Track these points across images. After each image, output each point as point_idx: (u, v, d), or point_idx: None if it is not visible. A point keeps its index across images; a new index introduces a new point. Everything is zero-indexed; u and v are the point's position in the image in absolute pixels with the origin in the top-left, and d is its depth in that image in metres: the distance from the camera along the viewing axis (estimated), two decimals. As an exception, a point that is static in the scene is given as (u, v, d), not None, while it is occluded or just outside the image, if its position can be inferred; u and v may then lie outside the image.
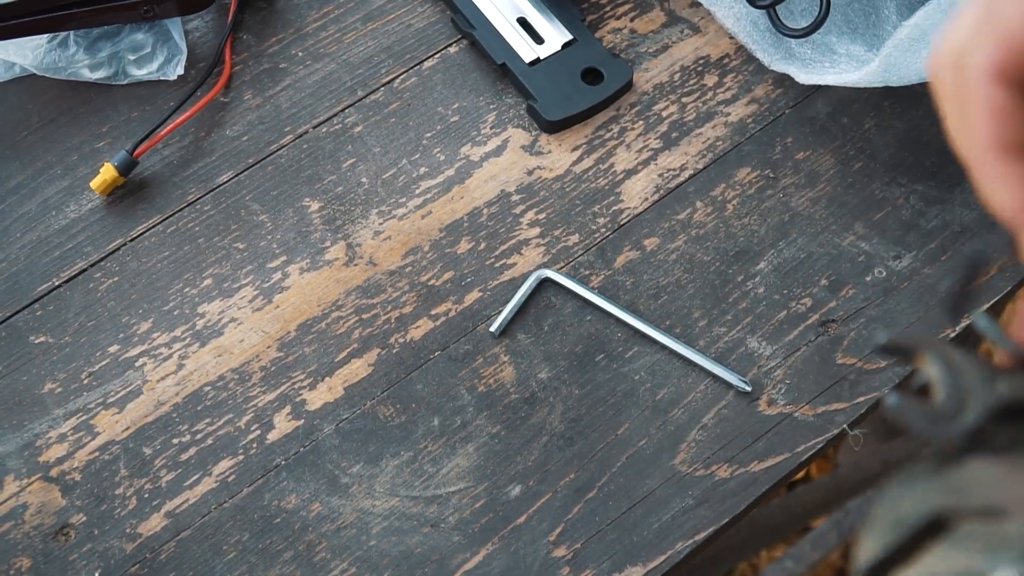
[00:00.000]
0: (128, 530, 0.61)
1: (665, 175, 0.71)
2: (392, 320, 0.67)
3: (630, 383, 0.65)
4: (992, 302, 0.67)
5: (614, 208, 0.70)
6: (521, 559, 0.61)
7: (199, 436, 0.64)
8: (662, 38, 0.76)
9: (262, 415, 0.64)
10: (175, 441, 0.64)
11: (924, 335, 0.37)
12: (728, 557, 1.15)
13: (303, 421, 0.64)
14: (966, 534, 0.30)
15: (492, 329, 0.66)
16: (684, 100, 0.74)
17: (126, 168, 0.70)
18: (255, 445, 0.64)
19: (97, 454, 0.63)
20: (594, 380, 0.65)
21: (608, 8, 0.77)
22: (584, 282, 0.68)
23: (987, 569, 0.28)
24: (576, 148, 0.72)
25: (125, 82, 0.75)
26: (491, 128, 0.73)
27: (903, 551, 0.31)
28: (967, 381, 0.35)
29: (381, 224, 0.70)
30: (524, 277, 0.68)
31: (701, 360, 0.65)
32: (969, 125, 0.34)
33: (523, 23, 0.76)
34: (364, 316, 0.67)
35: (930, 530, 0.31)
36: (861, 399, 0.64)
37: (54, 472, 0.63)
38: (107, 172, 0.70)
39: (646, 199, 0.71)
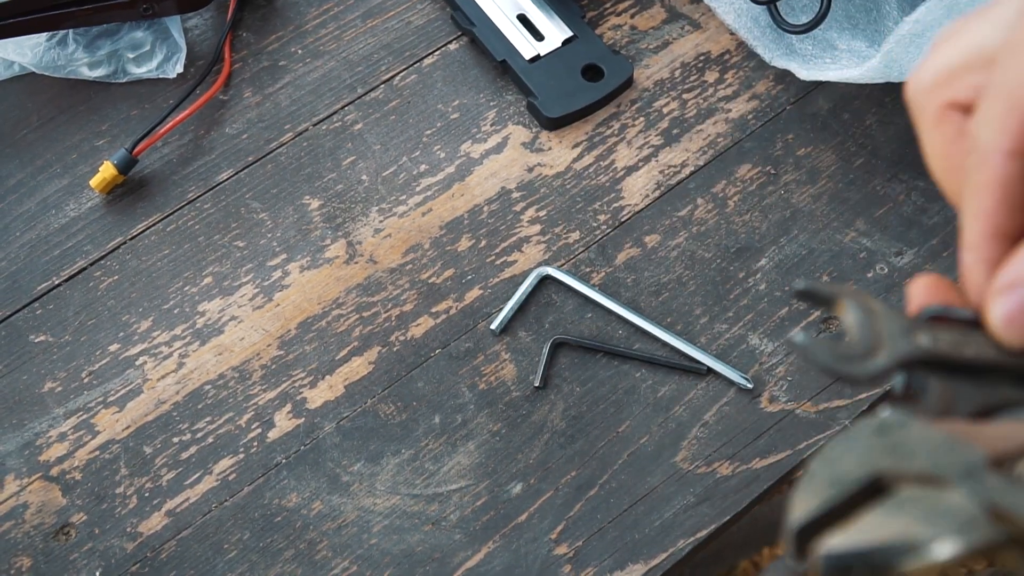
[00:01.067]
0: (129, 529, 0.61)
1: (666, 172, 0.71)
2: (393, 318, 0.67)
3: (631, 380, 0.65)
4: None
5: (615, 205, 0.70)
6: (522, 557, 0.60)
7: (199, 435, 0.64)
8: (662, 34, 0.76)
9: (263, 413, 0.64)
10: (175, 440, 0.64)
11: (846, 285, 0.36)
12: (730, 554, 1.15)
13: (304, 419, 0.64)
14: (904, 499, 0.29)
15: (493, 327, 0.66)
16: (685, 96, 0.74)
17: (126, 166, 0.70)
18: (256, 443, 0.63)
19: (97, 453, 0.63)
20: (595, 377, 0.65)
21: (608, 5, 0.77)
22: (585, 279, 0.68)
23: (924, 538, 0.28)
24: (577, 145, 0.72)
25: (124, 80, 0.75)
26: (491, 125, 0.73)
27: (839, 511, 0.30)
28: (884, 328, 0.34)
29: (381, 222, 0.70)
30: (525, 274, 0.68)
31: (702, 357, 0.65)
32: (973, 195, 0.32)
33: (523, 20, 0.75)
34: (364, 314, 0.67)
35: (868, 491, 0.30)
36: (863, 396, 0.64)
37: (54, 471, 0.63)
38: (107, 170, 0.70)
39: (647, 196, 0.70)
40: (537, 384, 0.64)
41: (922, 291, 0.36)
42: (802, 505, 0.30)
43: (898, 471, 0.30)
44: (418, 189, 0.71)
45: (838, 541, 0.29)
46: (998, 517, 0.28)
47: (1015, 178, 0.31)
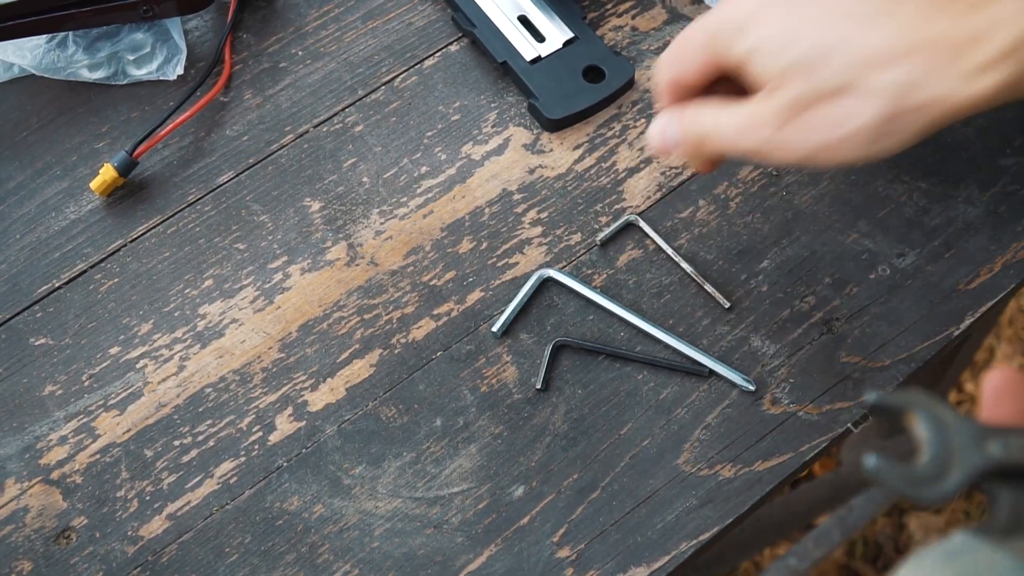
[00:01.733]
0: (130, 533, 0.61)
1: (667, 173, 0.71)
2: (394, 320, 0.67)
3: (633, 383, 0.65)
4: (996, 300, 0.67)
5: (616, 207, 0.70)
6: (524, 560, 0.60)
7: (200, 438, 0.64)
8: (664, 35, 0.76)
9: (264, 416, 0.64)
10: (176, 443, 0.64)
11: (915, 393, 0.37)
12: (732, 555, 1.15)
13: (305, 422, 0.64)
14: None
15: (494, 329, 0.66)
16: (686, 98, 0.74)
17: (126, 169, 0.70)
18: (257, 447, 0.63)
19: (98, 456, 0.63)
20: (597, 380, 0.65)
21: (609, 6, 0.77)
22: (586, 281, 0.67)
23: None
24: (578, 146, 0.72)
25: (124, 82, 0.75)
26: (492, 127, 0.73)
27: None
28: (955, 440, 0.35)
29: (382, 224, 0.70)
30: (526, 276, 0.68)
31: (704, 359, 0.65)
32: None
33: (524, 21, 0.75)
34: (366, 316, 0.67)
35: None
36: (864, 398, 0.64)
37: (55, 475, 0.63)
38: (107, 173, 0.70)
39: (648, 197, 0.70)
40: (539, 386, 0.64)
41: (997, 392, 0.37)
42: None
43: None
44: (419, 191, 0.71)
45: None
46: None
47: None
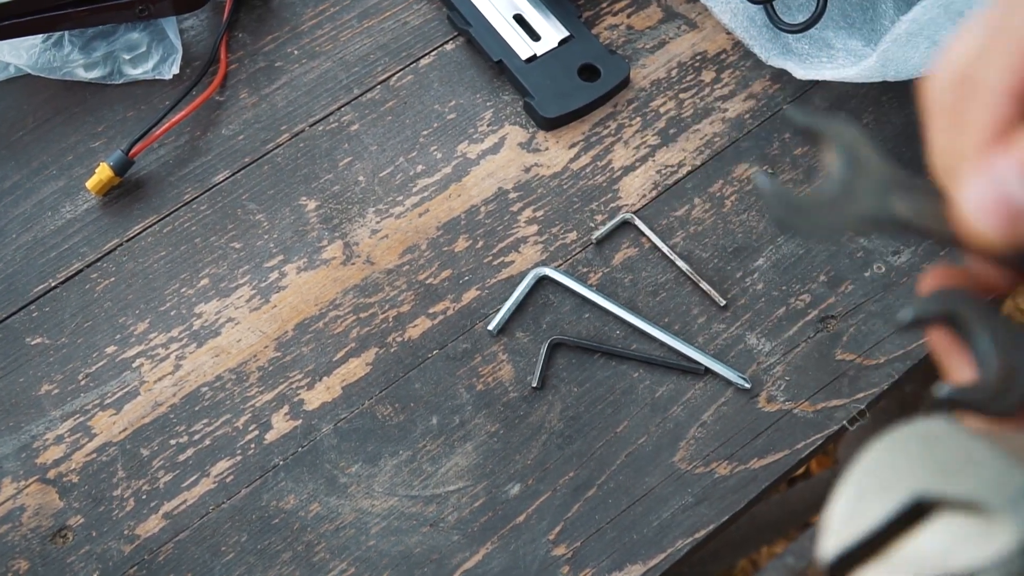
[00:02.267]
0: (126, 532, 0.61)
1: (663, 171, 0.71)
2: (390, 319, 0.67)
3: (629, 381, 0.65)
4: (992, 297, 0.67)
5: (612, 205, 0.70)
6: (521, 558, 0.60)
7: (197, 437, 0.64)
8: (659, 34, 0.76)
9: (260, 415, 0.64)
10: (172, 442, 0.64)
11: (841, 121, 0.33)
12: (728, 553, 1.15)
13: (301, 421, 0.64)
14: (944, 528, 0.27)
15: (490, 327, 0.66)
16: (681, 96, 0.74)
17: (122, 168, 0.70)
18: (253, 445, 0.63)
19: (95, 455, 0.63)
20: (593, 378, 0.65)
21: (605, 4, 0.77)
22: (582, 279, 0.68)
23: (965, 572, 0.26)
24: (573, 145, 0.72)
25: (120, 81, 0.75)
26: (488, 125, 0.73)
27: (877, 539, 0.28)
28: (863, 183, 0.31)
29: (378, 223, 0.70)
30: (522, 275, 0.68)
31: (700, 357, 0.65)
32: (964, 142, 0.30)
33: (519, 20, 0.75)
34: (362, 315, 0.67)
35: (909, 514, 0.28)
36: (861, 395, 0.64)
37: (51, 474, 0.63)
38: (103, 172, 0.70)
39: (644, 196, 0.70)
40: (535, 385, 0.64)
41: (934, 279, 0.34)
42: (837, 533, 0.28)
43: (941, 495, 0.28)
44: (415, 190, 0.71)
45: None
46: None
47: (1014, 120, 0.30)
